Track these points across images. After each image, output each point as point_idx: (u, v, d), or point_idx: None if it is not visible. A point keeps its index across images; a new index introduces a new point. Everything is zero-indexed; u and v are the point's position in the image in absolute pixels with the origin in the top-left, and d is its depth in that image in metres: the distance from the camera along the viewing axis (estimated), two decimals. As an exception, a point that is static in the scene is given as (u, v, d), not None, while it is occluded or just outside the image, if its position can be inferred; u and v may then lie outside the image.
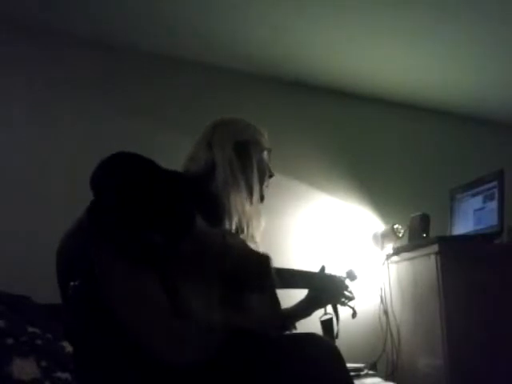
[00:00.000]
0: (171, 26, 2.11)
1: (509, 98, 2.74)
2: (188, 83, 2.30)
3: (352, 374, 1.51)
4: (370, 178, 2.55)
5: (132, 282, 0.92)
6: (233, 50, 2.28)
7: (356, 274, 1.57)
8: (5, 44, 2.00)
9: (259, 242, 1.29)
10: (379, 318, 2.26)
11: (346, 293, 1.48)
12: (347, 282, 1.53)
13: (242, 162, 1.28)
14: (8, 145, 1.93)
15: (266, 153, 1.38)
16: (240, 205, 1.22)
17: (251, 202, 1.27)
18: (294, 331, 1.37)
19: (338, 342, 1.14)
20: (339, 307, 1.48)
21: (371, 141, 2.64)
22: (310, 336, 1.05)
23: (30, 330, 1.03)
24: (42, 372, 0.96)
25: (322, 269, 1.50)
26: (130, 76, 2.22)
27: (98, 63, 2.16)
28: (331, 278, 1.48)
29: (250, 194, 1.27)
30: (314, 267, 1.50)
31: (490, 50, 2.31)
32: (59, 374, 0.99)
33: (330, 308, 1.48)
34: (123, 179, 0.94)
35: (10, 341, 0.98)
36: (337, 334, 1.46)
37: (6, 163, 1.90)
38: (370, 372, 1.93)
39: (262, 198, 1.35)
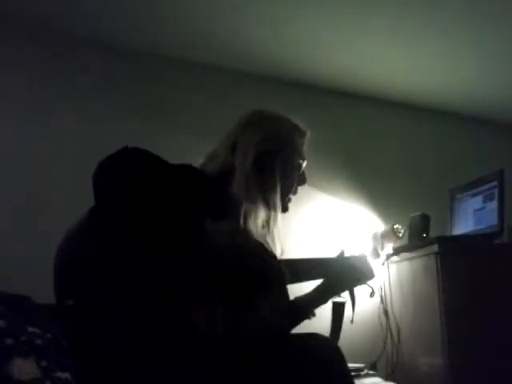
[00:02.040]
0: (171, 26, 2.11)
1: (509, 97, 2.74)
2: (188, 83, 2.30)
3: (352, 373, 1.50)
4: (370, 178, 2.55)
5: (130, 289, 0.88)
6: (233, 50, 2.28)
7: (380, 252, 1.52)
8: (5, 44, 2.00)
9: (276, 238, 1.23)
10: (379, 317, 2.26)
11: (367, 272, 1.40)
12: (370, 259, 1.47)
13: (262, 175, 1.18)
14: (8, 145, 1.93)
15: (300, 161, 1.28)
16: (253, 220, 1.15)
17: (269, 215, 1.21)
18: (313, 318, 1.33)
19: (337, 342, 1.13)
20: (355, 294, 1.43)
21: (371, 141, 2.64)
22: (312, 336, 1.04)
23: (30, 330, 1.02)
24: (41, 372, 0.96)
25: (342, 253, 1.43)
26: (130, 76, 2.22)
27: (98, 63, 2.16)
28: (350, 262, 1.40)
29: (267, 209, 1.19)
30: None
31: (490, 50, 2.31)
32: (59, 374, 0.98)
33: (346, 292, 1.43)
34: (130, 178, 0.91)
35: (9, 341, 0.97)
36: (352, 319, 1.39)
37: (6, 163, 1.90)
38: (370, 372, 1.92)
39: (284, 210, 1.27)
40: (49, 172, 1.96)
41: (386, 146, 2.67)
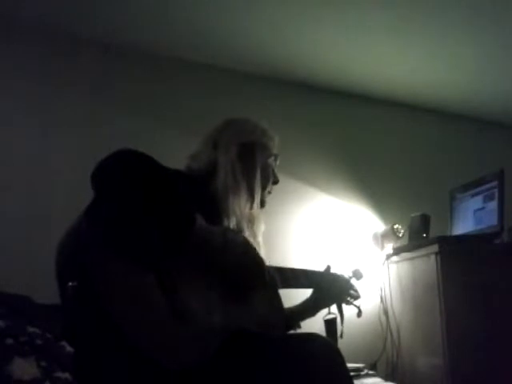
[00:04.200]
0: (171, 26, 2.11)
1: (509, 98, 2.74)
2: (188, 83, 2.30)
3: (352, 373, 1.51)
4: (370, 178, 2.55)
5: (127, 281, 0.91)
6: (233, 50, 2.28)
7: (362, 272, 1.58)
8: (5, 44, 2.00)
9: (261, 243, 1.28)
10: (379, 317, 2.26)
11: (352, 292, 1.48)
12: (353, 280, 1.53)
13: (245, 165, 1.27)
14: (8, 145, 1.93)
15: (272, 158, 1.37)
16: (238, 208, 1.22)
17: (251, 207, 1.27)
18: (299, 330, 1.37)
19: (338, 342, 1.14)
20: (344, 306, 1.48)
21: (371, 141, 2.64)
22: (310, 335, 1.05)
23: (30, 330, 1.02)
24: (41, 372, 0.96)
25: (328, 268, 1.50)
26: (130, 76, 2.22)
27: (98, 63, 2.16)
28: (336, 277, 1.48)
29: (251, 198, 1.27)
30: (315, 267, 1.50)
31: (489, 50, 2.31)
32: (59, 374, 0.98)
33: (334, 307, 1.47)
34: (125, 177, 0.94)
35: (9, 341, 0.97)
36: (341, 334, 1.45)
37: (6, 163, 1.90)
38: (370, 372, 1.92)
39: (262, 204, 1.34)
40: (49, 172, 1.96)
41: (386, 145, 2.67)
